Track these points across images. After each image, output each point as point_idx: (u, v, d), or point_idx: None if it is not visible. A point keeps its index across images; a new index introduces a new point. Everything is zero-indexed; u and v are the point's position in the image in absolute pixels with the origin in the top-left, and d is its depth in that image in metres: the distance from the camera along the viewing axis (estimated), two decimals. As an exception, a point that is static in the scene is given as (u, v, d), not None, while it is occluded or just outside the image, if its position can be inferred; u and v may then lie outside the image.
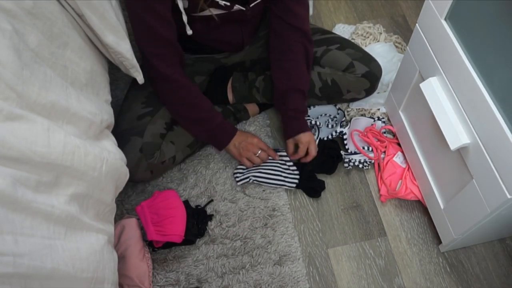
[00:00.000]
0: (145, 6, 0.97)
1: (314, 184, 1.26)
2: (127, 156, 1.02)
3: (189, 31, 1.07)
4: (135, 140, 1.11)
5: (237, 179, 1.26)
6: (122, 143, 1.06)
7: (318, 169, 1.28)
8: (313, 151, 1.22)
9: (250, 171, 1.25)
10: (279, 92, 1.22)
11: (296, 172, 1.25)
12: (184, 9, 1.04)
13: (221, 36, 1.19)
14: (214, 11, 1.06)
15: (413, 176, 1.24)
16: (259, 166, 1.26)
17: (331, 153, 1.28)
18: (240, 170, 1.27)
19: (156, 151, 1.15)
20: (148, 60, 1.05)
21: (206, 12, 1.06)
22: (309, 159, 1.23)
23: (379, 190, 1.27)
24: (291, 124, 1.24)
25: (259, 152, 1.22)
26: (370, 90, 1.26)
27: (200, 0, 1.02)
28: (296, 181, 1.24)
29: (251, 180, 1.24)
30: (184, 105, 1.14)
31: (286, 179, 1.24)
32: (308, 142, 1.22)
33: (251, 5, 1.09)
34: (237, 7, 1.07)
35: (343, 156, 1.29)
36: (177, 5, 1.01)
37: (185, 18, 1.04)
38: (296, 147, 1.25)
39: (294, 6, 1.13)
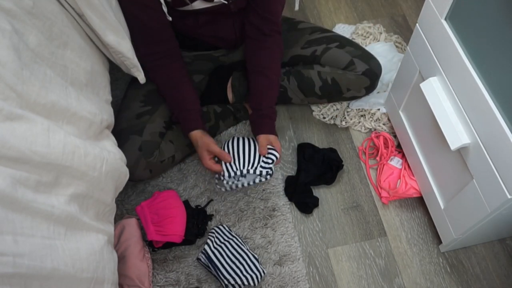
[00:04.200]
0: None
1: (308, 200, 1.25)
2: (126, 154, 1.02)
3: (169, 18, 1.08)
4: (134, 138, 1.11)
5: (201, 260, 1.14)
6: (121, 142, 1.06)
7: (318, 181, 1.28)
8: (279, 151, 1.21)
9: (213, 260, 1.11)
10: (254, 89, 1.22)
11: (257, 266, 1.12)
12: (169, 2, 1.05)
13: (214, 32, 1.20)
14: (198, 5, 1.07)
15: (411, 173, 1.24)
16: (224, 256, 1.12)
17: (331, 164, 1.28)
18: (205, 253, 1.14)
19: (155, 150, 1.14)
20: (140, 52, 1.07)
21: (189, 7, 1.06)
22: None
23: (379, 195, 1.27)
24: (266, 122, 1.21)
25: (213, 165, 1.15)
26: (370, 88, 1.26)
27: None
28: (257, 275, 1.10)
29: (213, 271, 1.11)
30: (168, 86, 1.16)
31: (248, 275, 1.09)
32: (279, 147, 1.20)
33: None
34: (217, 0, 1.07)
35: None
36: None
37: (165, 8, 1.05)
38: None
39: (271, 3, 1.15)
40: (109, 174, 0.85)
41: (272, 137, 1.18)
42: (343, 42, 1.25)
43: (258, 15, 1.15)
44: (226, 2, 1.08)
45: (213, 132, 1.32)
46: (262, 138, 1.17)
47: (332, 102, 1.39)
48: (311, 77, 1.25)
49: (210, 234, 1.17)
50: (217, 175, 1.17)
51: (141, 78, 1.07)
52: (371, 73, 1.23)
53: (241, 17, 1.19)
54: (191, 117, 1.16)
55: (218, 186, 1.18)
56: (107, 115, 0.95)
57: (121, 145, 1.04)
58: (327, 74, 1.24)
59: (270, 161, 1.15)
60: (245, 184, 1.16)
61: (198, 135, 1.14)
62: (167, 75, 1.15)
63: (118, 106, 1.19)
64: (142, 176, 1.17)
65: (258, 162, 1.15)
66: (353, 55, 1.22)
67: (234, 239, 1.16)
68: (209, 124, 1.29)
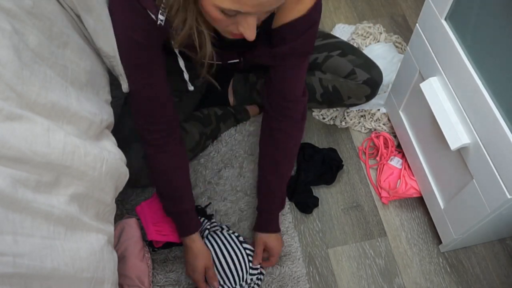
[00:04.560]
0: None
1: (308, 200, 1.25)
2: (130, 162, 0.99)
3: (191, 87, 1.02)
4: (137, 146, 1.10)
5: None
6: (125, 150, 1.03)
7: (318, 181, 1.27)
8: (274, 260, 1.12)
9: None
10: (267, 187, 1.11)
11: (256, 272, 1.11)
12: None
13: (221, 60, 1.16)
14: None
15: (411, 173, 1.24)
16: (222, 260, 1.10)
17: (331, 164, 1.28)
18: None
19: None
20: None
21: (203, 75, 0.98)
22: (268, 264, 1.13)
23: (379, 195, 1.27)
24: (270, 219, 1.12)
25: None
26: (370, 96, 1.26)
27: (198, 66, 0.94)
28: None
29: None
30: (165, 174, 1.04)
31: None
32: (278, 251, 1.12)
33: (245, 57, 1.05)
34: (231, 61, 1.04)
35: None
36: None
37: (186, 76, 0.98)
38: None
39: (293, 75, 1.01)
40: (109, 174, 0.85)
41: (273, 237, 1.11)
42: (345, 50, 1.23)
43: (277, 93, 1.02)
44: (237, 60, 1.04)
45: (214, 135, 1.32)
46: (260, 240, 1.10)
47: (333, 108, 1.38)
48: (313, 84, 1.25)
49: (208, 238, 1.15)
50: None
51: (125, 87, 0.99)
52: (372, 82, 1.22)
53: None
54: (191, 217, 1.08)
55: None
56: (107, 115, 0.95)
57: (125, 152, 1.00)
58: (328, 81, 1.24)
59: (258, 265, 1.10)
60: None
61: (199, 242, 1.07)
62: (166, 161, 1.02)
63: (119, 106, 1.19)
64: (146, 183, 1.17)
65: (247, 272, 1.08)
66: (355, 64, 1.21)
67: (231, 241, 1.13)
68: (211, 127, 1.29)
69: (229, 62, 1.05)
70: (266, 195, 1.11)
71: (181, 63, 0.96)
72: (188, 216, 1.07)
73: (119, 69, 0.98)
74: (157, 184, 1.05)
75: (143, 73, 0.93)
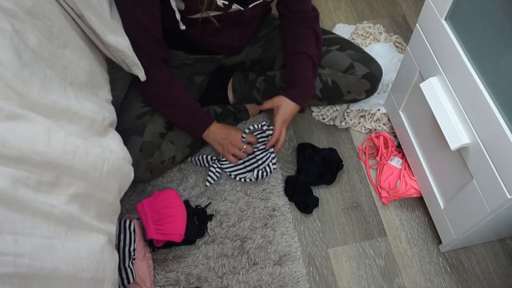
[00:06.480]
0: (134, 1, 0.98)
1: (308, 200, 1.25)
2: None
3: (182, 26, 1.07)
4: (135, 139, 1.11)
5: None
6: (123, 143, 1.06)
7: (318, 181, 1.28)
8: (280, 138, 1.19)
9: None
10: (289, 69, 1.21)
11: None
12: (180, 10, 1.03)
13: (218, 40, 1.20)
14: (212, 13, 1.05)
15: (411, 173, 1.24)
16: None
17: (331, 164, 1.28)
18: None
19: (156, 151, 1.14)
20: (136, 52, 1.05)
21: (203, 14, 1.04)
22: (271, 144, 1.21)
23: (379, 195, 1.27)
24: (290, 88, 1.19)
25: (245, 146, 1.20)
26: (370, 91, 1.26)
27: (197, 2, 1.00)
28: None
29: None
30: (162, 95, 1.13)
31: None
32: (283, 123, 1.18)
33: (250, 6, 1.08)
34: (235, 6, 1.06)
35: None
36: (170, 5, 1.00)
37: (178, 16, 1.03)
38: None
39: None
40: (111, 174, 0.85)
41: (290, 104, 1.18)
42: (344, 45, 1.24)
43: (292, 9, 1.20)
44: (242, 8, 1.07)
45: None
46: (277, 99, 1.18)
47: (333, 105, 1.38)
48: None
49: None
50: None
51: (142, 76, 1.05)
52: (372, 76, 1.22)
53: (249, 26, 1.19)
54: (202, 113, 1.16)
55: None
56: (109, 113, 0.95)
57: None
58: (327, 76, 1.24)
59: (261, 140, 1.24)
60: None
61: (220, 125, 1.18)
62: (165, 75, 1.12)
63: (119, 106, 1.19)
64: (142, 177, 1.17)
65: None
66: (353, 58, 1.21)
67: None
68: None
69: (233, 9, 1.08)
70: (296, 76, 1.19)
71: (173, 4, 1.02)
72: (199, 112, 1.15)
73: (131, 61, 0.99)
74: (161, 100, 1.13)
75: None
